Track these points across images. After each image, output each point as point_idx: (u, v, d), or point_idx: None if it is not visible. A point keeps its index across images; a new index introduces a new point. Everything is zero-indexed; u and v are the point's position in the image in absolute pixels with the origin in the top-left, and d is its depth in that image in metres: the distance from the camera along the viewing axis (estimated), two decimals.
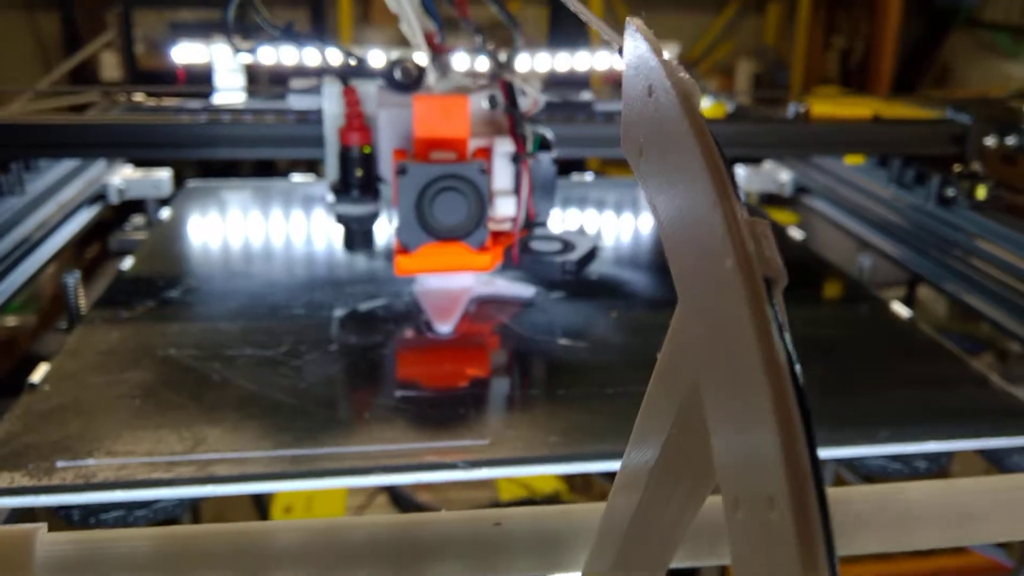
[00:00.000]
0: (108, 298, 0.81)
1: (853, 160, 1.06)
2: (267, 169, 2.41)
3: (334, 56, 0.86)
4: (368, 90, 0.82)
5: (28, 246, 0.84)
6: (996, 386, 0.68)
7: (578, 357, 0.73)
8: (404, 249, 0.75)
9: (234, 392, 0.66)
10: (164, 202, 1.08)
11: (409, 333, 0.76)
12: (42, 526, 0.38)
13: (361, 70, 0.83)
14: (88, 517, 0.60)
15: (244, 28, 0.88)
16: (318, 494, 1.57)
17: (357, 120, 0.81)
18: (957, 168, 0.94)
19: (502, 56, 0.85)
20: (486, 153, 0.78)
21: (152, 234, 0.97)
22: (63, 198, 0.95)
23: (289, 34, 0.84)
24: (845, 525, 0.42)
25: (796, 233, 1.01)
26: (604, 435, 0.61)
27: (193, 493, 0.55)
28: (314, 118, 0.92)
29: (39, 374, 0.66)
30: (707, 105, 1.26)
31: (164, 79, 2.85)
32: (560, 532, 0.40)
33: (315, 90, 0.87)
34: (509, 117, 0.78)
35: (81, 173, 1.02)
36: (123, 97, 1.20)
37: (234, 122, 0.91)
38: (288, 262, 0.93)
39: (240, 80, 1.25)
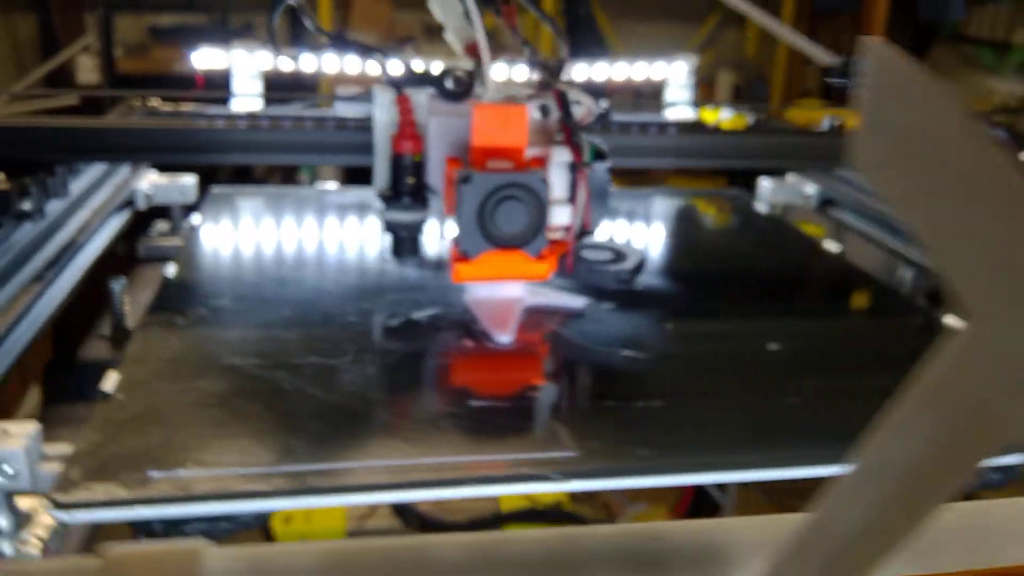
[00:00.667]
0: (160, 305, 0.80)
1: None
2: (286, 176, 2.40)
3: (376, 65, 0.86)
4: (419, 98, 0.82)
5: (74, 251, 0.83)
6: None
7: (644, 368, 0.73)
8: (464, 256, 0.75)
9: (309, 401, 0.65)
10: (189, 208, 1.07)
11: (468, 343, 0.76)
12: (206, 543, 0.38)
13: (411, 78, 0.82)
14: (169, 529, 0.60)
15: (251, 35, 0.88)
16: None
17: (410, 128, 0.80)
18: None
19: (552, 66, 0.85)
20: (540, 162, 0.78)
21: (188, 240, 0.96)
22: (96, 203, 0.94)
23: (340, 41, 0.84)
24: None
25: (832, 246, 1.02)
26: (695, 446, 0.61)
27: (292, 504, 0.55)
28: (352, 125, 0.92)
29: (110, 383, 0.65)
30: (727, 117, 1.27)
31: (145, 83, 2.83)
32: (720, 545, 0.40)
33: (363, 97, 0.86)
34: (564, 127, 0.78)
35: (108, 178, 1.00)
36: (138, 102, 1.19)
37: (273, 128, 0.90)
38: (330, 270, 0.92)
39: (258, 86, 1.24)
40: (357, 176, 1.19)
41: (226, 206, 1.09)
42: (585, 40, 0.90)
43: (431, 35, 3.40)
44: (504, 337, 0.76)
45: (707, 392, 0.70)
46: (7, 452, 0.55)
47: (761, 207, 1.20)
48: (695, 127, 1.22)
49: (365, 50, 0.84)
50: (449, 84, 0.82)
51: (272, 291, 0.84)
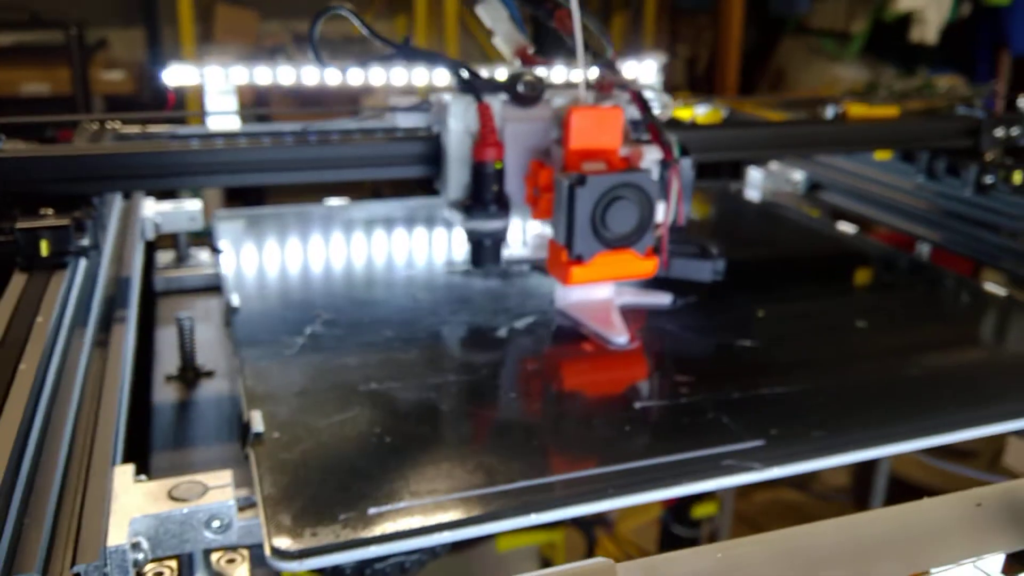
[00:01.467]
0: (246, 339, 0.75)
1: (882, 156, 1.12)
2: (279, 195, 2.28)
3: (439, 74, 0.83)
4: (493, 106, 0.80)
5: (129, 287, 0.77)
6: None
7: (765, 355, 0.74)
8: (578, 259, 0.74)
9: (473, 419, 0.63)
10: (196, 235, 1.01)
11: (587, 347, 0.75)
12: (611, 561, 0.36)
13: (483, 85, 0.80)
14: (364, 569, 0.56)
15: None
16: None
17: (492, 135, 0.79)
18: (989, 157, 1.01)
19: (614, 67, 0.85)
20: (627, 162, 0.78)
21: (226, 268, 0.91)
22: (130, 235, 0.87)
23: (406, 50, 0.81)
24: None
25: (848, 227, 1.06)
26: (860, 424, 0.62)
27: (521, 523, 0.53)
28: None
29: (257, 422, 0.60)
30: (703, 112, 1.30)
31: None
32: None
33: (423, 107, 0.84)
34: (651, 126, 0.78)
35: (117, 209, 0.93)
36: (95, 125, 1.10)
37: (325, 143, 0.86)
38: (399, 285, 0.89)
39: (233, 103, 1.18)
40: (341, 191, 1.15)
41: (243, 229, 1.03)
42: (553, 41, 0.89)
43: (301, 44, 3.31)
44: (621, 338, 0.75)
45: (829, 372, 0.71)
46: (217, 506, 0.51)
47: (752, 194, 1.24)
48: (674, 123, 1.24)
49: (432, 57, 0.82)
50: (521, 89, 0.80)
51: (355, 312, 0.81)
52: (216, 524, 0.51)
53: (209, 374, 0.75)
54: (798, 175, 1.22)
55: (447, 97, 0.80)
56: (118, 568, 0.46)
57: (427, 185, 0.87)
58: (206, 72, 1.15)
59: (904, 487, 1.48)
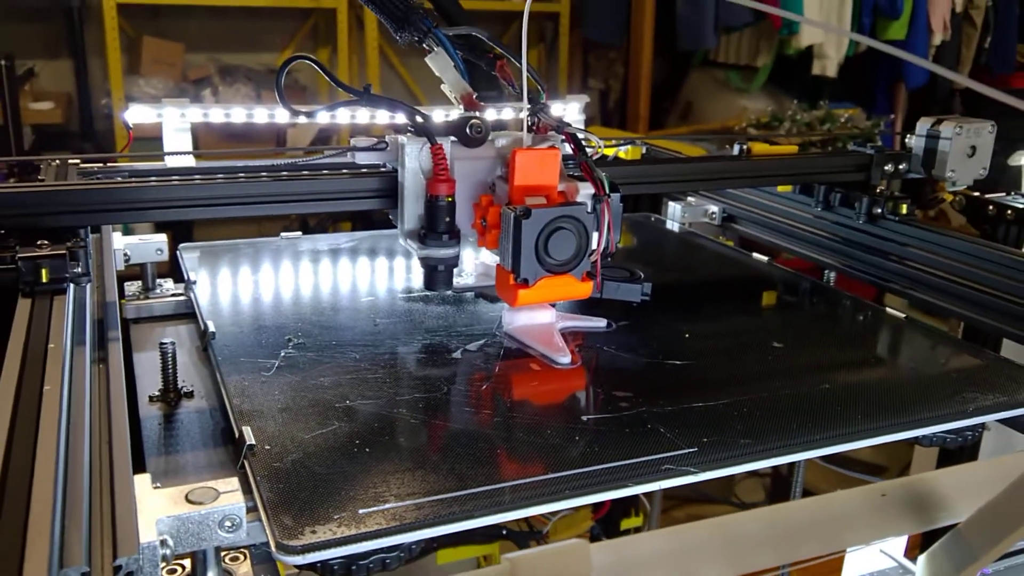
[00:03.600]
0: (226, 361, 0.82)
1: (783, 188, 1.24)
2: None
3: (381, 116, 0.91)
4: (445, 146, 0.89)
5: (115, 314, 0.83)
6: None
7: (692, 372, 0.84)
8: (524, 283, 0.82)
9: (446, 431, 0.71)
10: (165, 266, 1.07)
11: (535, 366, 0.84)
12: (586, 541, 0.45)
13: (435, 128, 0.89)
14: (351, 565, 0.64)
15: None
16: None
17: (445, 173, 0.87)
18: (879, 189, 1.14)
19: (548, 111, 0.94)
20: (563, 196, 0.87)
21: (199, 295, 0.97)
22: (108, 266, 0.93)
23: (369, 96, 0.89)
24: None
25: (761, 257, 1.18)
26: (779, 432, 0.72)
27: (498, 519, 0.61)
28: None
29: (249, 436, 0.67)
30: (624, 149, 1.40)
31: None
32: (937, 495, 0.51)
33: (380, 146, 0.92)
34: (583, 164, 0.88)
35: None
36: (56, 162, 1.16)
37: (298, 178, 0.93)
38: (361, 310, 0.97)
39: (188, 140, 1.24)
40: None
41: (211, 261, 1.10)
42: (485, 84, 0.99)
43: (225, 75, 3.36)
44: (564, 358, 0.84)
45: (751, 387, 0.81)
46: (230, 508, 0.58)
47: (672, 226, 1.35)
48: (602, 160, 1.34)
49: (392, 104, 0.90)
50: (469, 132, 0.89)
51: (323, 336, 0.88)
52: (228, 524, 0.58)
53: (189, 394, 0.82)
54: (714, 207, 1.33)
55: (403, 139, 0.89)
56: (149, 562, 0.53)
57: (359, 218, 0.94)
58: (164, 112, 1.22)
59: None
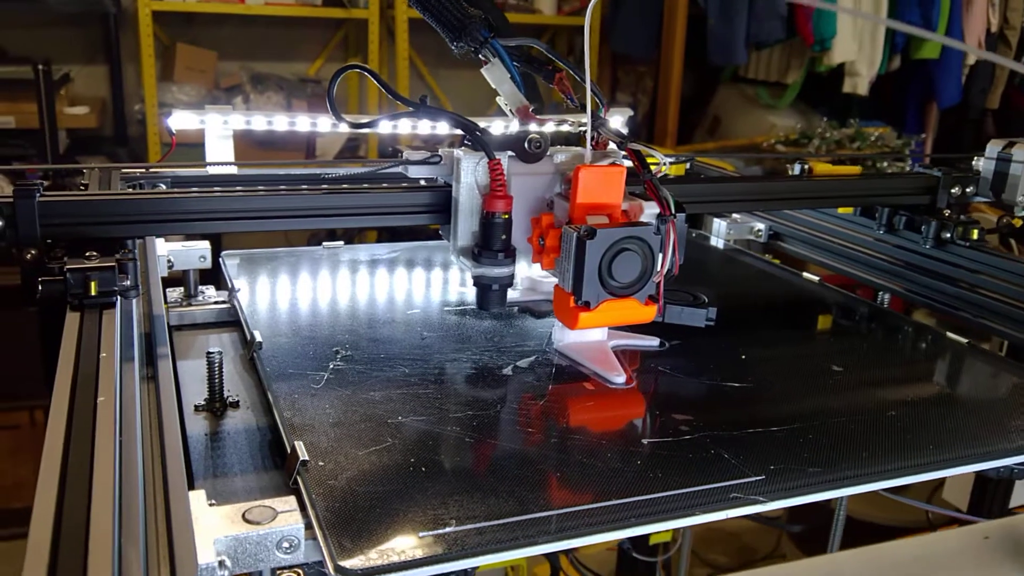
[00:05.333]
0: (275, 373, 0.80)
1: (844, 210, 1.21)
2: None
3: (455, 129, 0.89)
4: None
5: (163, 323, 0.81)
6: None
7: (753, 395, 0.81)
8: (585, 306, 0.80)
9: (501, 452, 0.69)
10: (210, 273, 1.05)
11: (590, 385, 0.82)
12: None
13: (493, 142, 0.87)
14: None
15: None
16: None
17: (503, 189, 0.85)
18: (947, 212, 1.11)
19: (608, 126, 0.92)
20: (626, 216, 0.85)
21: (243, 304, 0.96)
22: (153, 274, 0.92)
23: (425, 107, 0.87)
24: None
25: (812, 276, 1.15)
26: (849, 461, 0.70)
27: (560, 546, 0.59)
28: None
29: (302, 451, 0.65)
30: (669, 162, 1.38)
31: None
32: None
33: (433, 159, 0.89)
34: (648, 182, 0.85)
35: None
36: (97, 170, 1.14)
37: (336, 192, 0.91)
38: (408, 323, 0.95)
39: (230, 148, 1.23)
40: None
41: (251, 269, 1.08)
42: (531, 94, 0.97)
43: (257, 85, 3.36)
44: (619, 378, 0.82)
45: (814, 413, 0.79)
46: (289, 528, 0.56)
47: (716, 243, 1.33)
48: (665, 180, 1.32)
49: (448, 116, 0.88)
50: (528, 147, 0.87)
51: (370, 349, 0.86)
52: (286, 545, 0.56)
53: (235, 404, 0.80)
54: (760, 225, 1.31)
55: (459, 152, 0.86)
56: None
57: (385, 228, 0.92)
58: (207, 119, 1.20)
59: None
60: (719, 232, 1.33)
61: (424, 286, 1.09)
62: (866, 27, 3.66)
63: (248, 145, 3.00)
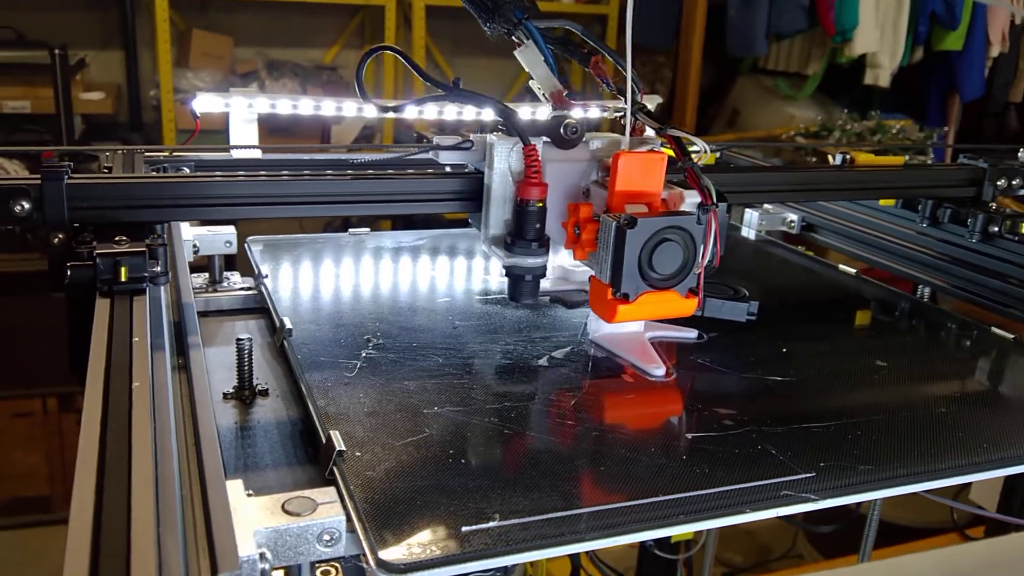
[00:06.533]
0: (307, 361, 0.78)
1: (886, 202, 1.18)
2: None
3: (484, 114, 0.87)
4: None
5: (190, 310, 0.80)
6: None
7: (797, 390, 0.79)
8: (624, 298, 0.78)
9: (542, 444, 0.67)
10: (229, 259, 1.03)
11: (628, 378, 0.80)
12: None
13: (526, 127, 0.84)
14: None
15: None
16: None
17: (538, 176, 0.83)
18: (993, 206, 1.07)
19: (647, 112, 0.89)
20: (665, 205, 0.83)
21: (271, 291, 0.94)
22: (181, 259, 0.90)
23: (458, 91, 0.85)
24: None
25: (848, 269, 1.13)
26: (898, 458, 0.68)
27: (602, 544, 0.57)
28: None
29: (339, 441, 0.63)
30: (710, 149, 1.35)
31: None
32: None
33: (465, 145, 0.87)
34: (689, 171, 0.83)
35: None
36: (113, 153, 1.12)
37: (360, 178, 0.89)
38: (440, 312, 0.93)
39: (255, 132, 1.21)
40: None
41: (275, 255, 1.06)
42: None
43: (273, 71, 3.34)
44: (658, 370, 0.80)
45: (860, 408, 0.77)
46: (330, 521, 0.54)
47: (748, 233, 1.30)
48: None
49: (482, 99, 0.86)
50: (563, 133, 0.85)
51: (402, 337, 0.84)
52: (327, 538, 0.54)
53: (264, 392, 0.78)
54: (793, 216, 1.28)
55: (492, 138, 0.84)
56: None
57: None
58: (232, 102, 1.18)
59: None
60: (751, 223, 1.31)
61: (449, 274, 1.07)
62: (888, 17, 3.62)
63: (262, 131, 2.98)
